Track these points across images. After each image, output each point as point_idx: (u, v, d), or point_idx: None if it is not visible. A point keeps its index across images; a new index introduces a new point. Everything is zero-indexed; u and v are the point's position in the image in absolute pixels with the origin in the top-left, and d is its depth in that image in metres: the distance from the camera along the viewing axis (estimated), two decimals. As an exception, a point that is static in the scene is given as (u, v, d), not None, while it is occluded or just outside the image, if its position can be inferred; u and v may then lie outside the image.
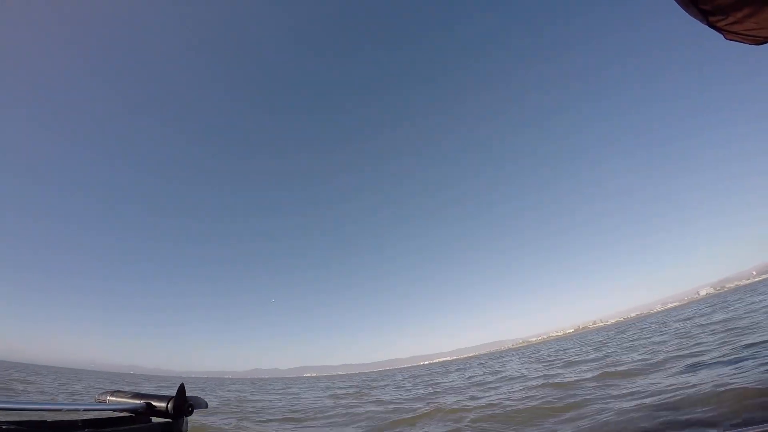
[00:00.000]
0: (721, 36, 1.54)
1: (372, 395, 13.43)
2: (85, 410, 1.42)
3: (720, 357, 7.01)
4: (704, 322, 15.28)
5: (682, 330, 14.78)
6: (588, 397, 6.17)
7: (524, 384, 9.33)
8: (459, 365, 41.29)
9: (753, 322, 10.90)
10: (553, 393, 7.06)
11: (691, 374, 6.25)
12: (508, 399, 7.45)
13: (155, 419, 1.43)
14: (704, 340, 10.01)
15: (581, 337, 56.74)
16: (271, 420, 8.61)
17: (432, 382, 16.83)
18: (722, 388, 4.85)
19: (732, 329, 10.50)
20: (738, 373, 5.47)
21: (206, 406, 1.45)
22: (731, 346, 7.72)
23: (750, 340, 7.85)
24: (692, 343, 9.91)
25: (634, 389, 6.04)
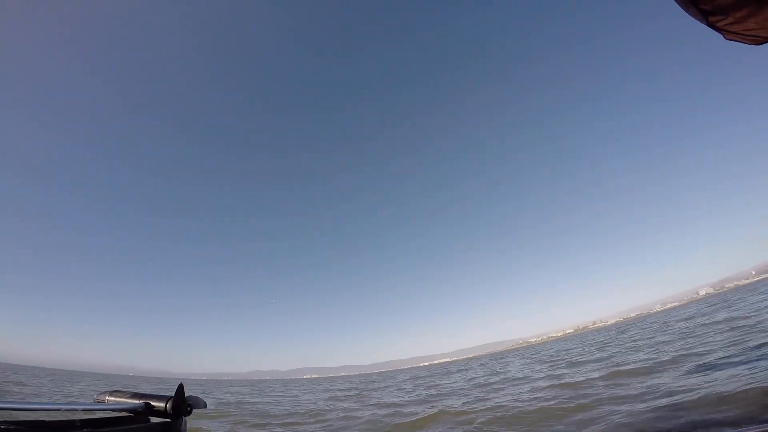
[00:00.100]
0: (721, 36, 1.53)
1: (373, 397, 13.24)
2: (83, 410, 1.42)
3: (729, 357, 6.86)
4: (708, 322, 15.13)
5: (686, 329, 14.63)
6: (598, 397, 6.01)
7: (531, 385, 9.15)
8: (460, 366, 41.11)
9: (759, 321, 10.76)
10: (562, 394, 6.90)
11: (702, 374, 6.10)
12: (516, 400, 7.27)
13: (154, 419, 1.43)
14: (710, 339, 9.85)
15: (581, 337, 56.59)
16: (268, 424, 8.41)
17: (434, 383, 16.64)
18: (737, 389, 4.70)
19: (737, 328, 10.35)
20: (752, 373, 5.31)
21: (205, 406, 1.44)
22: (741, 346, 7.56)
23: (760, 340, 7.69)
24: (698, 343, 9.76)
25: (645, 389, 5.88)
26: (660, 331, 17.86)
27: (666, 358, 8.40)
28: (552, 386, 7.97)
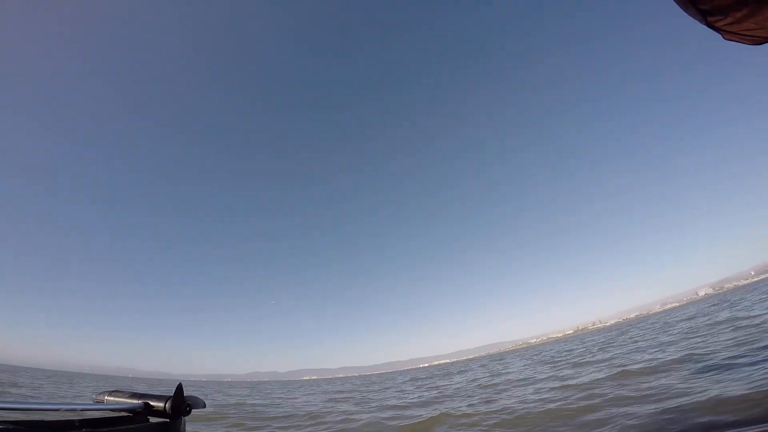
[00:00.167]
0: (720, 36, 1.53)
1: (374, 399, 13.09)
2: (83, 410, 1.43)
3: (737, 357, 6.73)
4: (710, 322, 15.00)
5: (690, 330, 14.49)
6: (606, 398, 5.88)
7: (535, 386, 8.99)
8: (460, 367, 40.93)
9: (763, 321, 10.64)
10: (569, 395, 6.75)
11: (709, 375, 5.97)
12: (523, 402, 7.11)
13: (153, 419, 1.44)
14: (715, 339, 9.72)
15: (581, 338, 56.45)
16: (267, 426, 8.26)
17: (435, 385, 16.48)
18: (748, 391, 4.57)
19: (741, 328, 10.24)
20: (764, 375, 5.17)
21: (204, 406, 1.45)
22: (747, 347, 7.43)
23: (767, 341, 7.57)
24: (703, 343, 9.61)
25: (652, 390, 5.74)
26: (662, 332, 17.71)
27: (671, 358, 8.27)
28: (558, 388, 7.82)
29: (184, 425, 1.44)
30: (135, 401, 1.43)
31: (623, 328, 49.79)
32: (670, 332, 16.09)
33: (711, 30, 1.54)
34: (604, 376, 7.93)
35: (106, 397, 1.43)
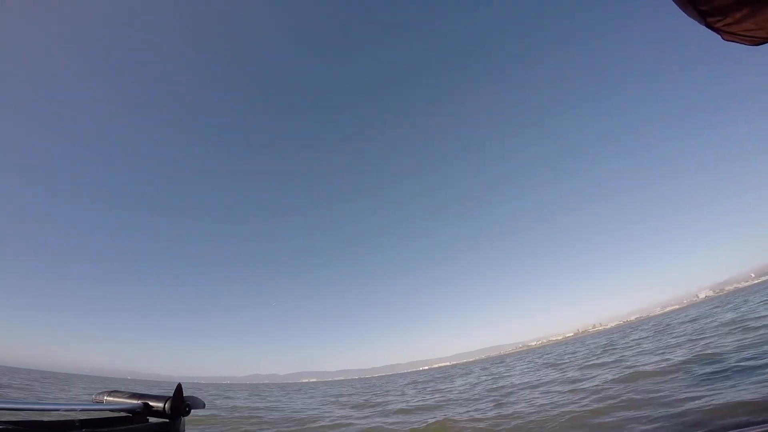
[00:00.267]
0: (719, 36, 1.52)
1: (376, 402, 12.87)
2: (82, 410, 1.44)
3: (751, 359, 6.58)
4: (716, 323, 14.81)
5: (695, 331, 14.29)
6: (621, 401, 5.74)
7: (545, 389, 8.79)
8: (461, 370, 40.62)
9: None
10: (582, 398, 6.60)
11: (725, 377, 5.81)
12: (535, 406, 6.90)
13: (152, 419, 1.45)
14: (724, 341, 9.54)
15: (582, 340, 56.17)
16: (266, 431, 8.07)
17: (439, 388, 16.27)
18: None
19: (751, 329, 10.07)
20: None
21: (204, 406, 1.45)
22: (758, 349, 7.27)
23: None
24: (712, 345, 9.43)
25: (667, 393, 5.59)
26: (666, 334, 17.54)
27: (680, 360, 8.12)
28: (568, 391, 7.65)
29: (184, 425, 1.45)
30: (134, 401, 1.44)
31: (624, 330, 49.52)
32: (674, 334, 15.90)
33: (710, 30, 1.52)
34: (613, 378, 7.76)
35: (105, 398, 1.44)
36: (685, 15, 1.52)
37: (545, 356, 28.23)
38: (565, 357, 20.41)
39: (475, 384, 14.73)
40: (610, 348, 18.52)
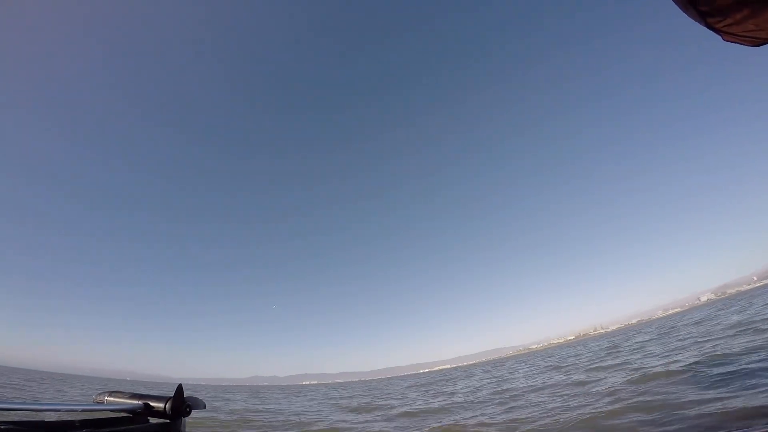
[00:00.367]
0: (720, 37, 1.51)
1: (379, 405, 12.70)
2: (83, 410, 1.44)
3: (761, 361, 6.43)
4: (722, 326, 14.63)
5: (700, 334, 14.11)
6: (636, 403, 5.59)
7: (552, 393, 8.59)
8: (463, 373, 40.36)
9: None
10: (592, 401, 6.44)
11: (738, 380, 5.66)
12: (545, 410, 6.72)
13: (153, 420, 1.45)
14: (733, 343, 9.38)
15: (584, 343, 55.89)
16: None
17: (442, 391, 16.08)
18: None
19: (761, 331, 9.92)
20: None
21: (204, 407, 1.45)
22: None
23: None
24: (721, 347, 9.26)
25: (683, 395, 5.47)
26: (671, 336, 17.37)
27: (688, 362, 7.98)
28: (578, 394, 7.48)
29: (184, 426, 1.44)
30: (135, 402, 1.44)
31: (626, 333, 49.26)
32: (679, 336, 15.73)
33: (711, 31, 1.50)
34: (622, 380, 7.60)
35: (106, 398, 1.44)
36: (686, 16, 1.51)
37: (547, 359, 28.01)
38: (569, 359, 20.22)
39: (479, 387, 14.54)
40: (614, 350, 18.34)
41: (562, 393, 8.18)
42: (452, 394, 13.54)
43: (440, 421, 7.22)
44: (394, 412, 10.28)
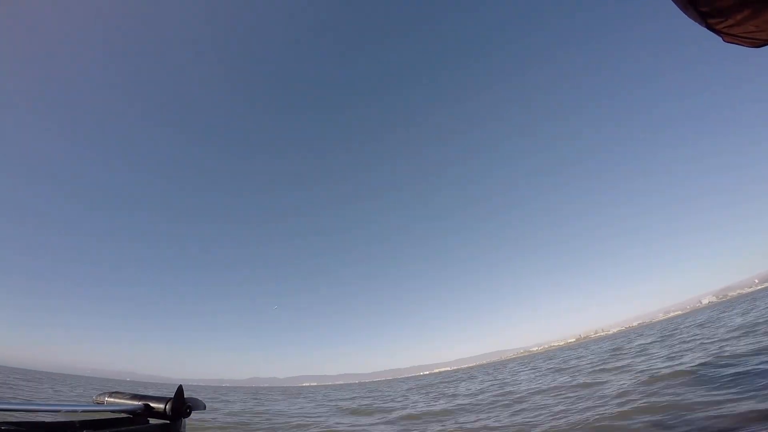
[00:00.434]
0: (720, 38, 1.52)
1: (383, 408, 12.53)
2: (83, 411, 1.44)
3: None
4: (727, 328, 14.47)
5: (704, 336, 13.95)
6: (645, 405, 5.48)
7: (558, 395, 8.44)
8: (464, 375, 40.14)
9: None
10: (602, 403, 6.31)
11: (747, 381, 5.55)
12: (552, 412, 6.56)
13: (153, 421, 1.45)
14: (738, 345, 9.25)
15: (585, 346, 55.60)
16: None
17: (444, 393, 15.89)
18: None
19: (765, 333, 9.78)
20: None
21: (204, 408, 1.45)
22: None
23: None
24: (726, 349, 9.12)
25: (692, 397, 5.36)
26: (675, 338, 17.21)
27: (696, 363, 7.85)
28: (587, 397, 7.32)
29: (185, 427, 1.44)
30: (135, 403, 1.44)
31: (628, 335, 48.99)
32: (684, 338, 15.57)
33: (711, 32, 1.51)
34: (629, 382, 7.47)
35: (106, 399, 1.44)
36: (686, 16, 1.50)
37: (549, 361, 27.81)
38: (571, 362, 20.04)
39: (482, 389, 14.36)
40: (617, 352, 18.17)
41: (567, 395, 8.03)
42: (454, 396, 13.38)
43: (443, 426, 7.07)
44: (396, 414, 10.12)
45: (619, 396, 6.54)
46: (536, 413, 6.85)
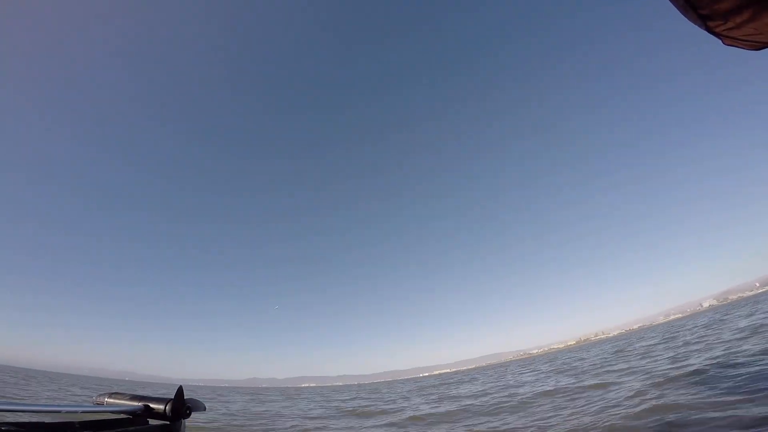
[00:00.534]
0: (720, 41, 1.51)
1: (386, 410, 12.41)
2: (83, 412, 1.44)
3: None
4: (731, 330, 14.34)
5: (709, 338, 13.82)
6: (658, 406, 5.38)
7: (565, 397, 8.29)
8: (464, 377, 39.94)
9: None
10: (612, 405, 6.19)
11: (760, 381, 5.43)
12: (563, 416, 6.37)
13: (153, 421, 1.44)
14: (745, 346, 9.14)
15: (586, 348, 55.40)
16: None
17: (448, 395, 15.75)
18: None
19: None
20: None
21: (204, 409, 1.45)
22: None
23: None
24: (733, 350, 9.01)
25: (705, 398, 5.28)
26: (678, 339, 17.08)
27: (704, 365, 7.76)
28: (593, 398, 7.22)
29: (185, 428, 1.44)
30: (135, 403, 1.44)
31: (629, 338, 48.79)
32: (686, 340, 15.46)
33: (711, 35, 1.50)
34: (638, 385, 7.36)
35: (106, 399, 1.44)
36: (686, 19, 1.50)
37: (550, 363, 27.64)
38: (574, 364, 19.91)
39: (485, 391, 14.18)
40: (621, 354, 18.05)
41: (574, 397, 7.92)
42: (458, 398, 13.23)
43: (452, 428, 6.94)
44: (402, 416, 9.93)
45: (629, 397, 6.44)
46: (547, 416, 6.70)
